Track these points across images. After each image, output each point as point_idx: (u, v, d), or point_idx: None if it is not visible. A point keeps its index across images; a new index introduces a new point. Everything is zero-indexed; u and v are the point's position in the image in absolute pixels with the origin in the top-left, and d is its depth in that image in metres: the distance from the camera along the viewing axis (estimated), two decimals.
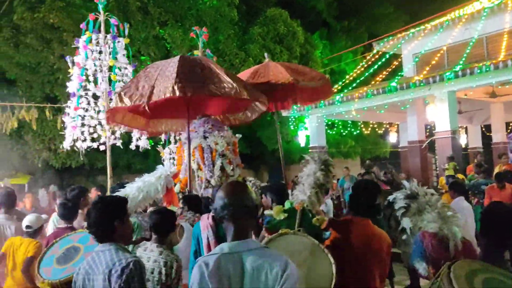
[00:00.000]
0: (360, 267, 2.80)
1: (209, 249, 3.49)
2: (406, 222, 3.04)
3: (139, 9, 14.60)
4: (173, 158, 7.68)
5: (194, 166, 5.35)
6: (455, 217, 2.98)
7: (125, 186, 4.42)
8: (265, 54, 7.08)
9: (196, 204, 4.40)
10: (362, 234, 2.86)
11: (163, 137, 7.86)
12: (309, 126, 15.80)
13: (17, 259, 4.43)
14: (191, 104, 5.62)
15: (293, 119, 17.13)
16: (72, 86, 7.36)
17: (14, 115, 11.49)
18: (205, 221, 3.81)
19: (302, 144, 17.10)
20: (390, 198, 3.10)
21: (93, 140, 7.33)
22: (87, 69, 7.26)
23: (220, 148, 5.24)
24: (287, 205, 3.40)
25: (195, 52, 8.45)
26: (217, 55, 14.84)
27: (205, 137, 5.35)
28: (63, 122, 7.81)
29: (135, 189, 3.62)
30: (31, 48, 14.43)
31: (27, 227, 4.59)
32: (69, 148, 7.36)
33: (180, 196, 5.12)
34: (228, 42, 15.14)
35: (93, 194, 7.37)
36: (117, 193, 3.59)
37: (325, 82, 6.62)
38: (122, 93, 5.21)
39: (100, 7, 7.58)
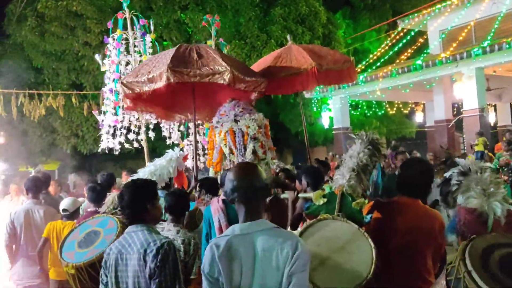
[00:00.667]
0: (409, 249, 2.73)
1: (221, 232, 3.54)
2: (459, 199, 2.99)
3: None
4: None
5: (226, 150, 5.29)
6: (499, 193, 2.91)
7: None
8: (288, 36, 6.92)
9: (213, 188, 4.46)
10: (412, 215, 2.78)
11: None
12: (332, 108, 15.66)
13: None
14: (197, 92, 5.71)
15: (316, 101, 17.00)
16: (107, 82, 7.47)
17: (41, 102, 11.79)
18: (216, 205, 3.88)
19: (326, 126, 16.98)
20: (447, 174, 3.02)
21: (128, 130, 7.47)
22: (121, 64, 7.38)
23: (251, 132, 5.15)
24: (327, 189, 3.38)
25: (208, 42, 8.45)
26: (238, 38, 14.80)
27: (236, 121, 5.26)
28: (92, 115, 8.00)
29: (148, 173, 3.70)
30: (56, 36, 14.67)
31: (64, 210, 4.78)
32: (106, 151, 7.52)
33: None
34: (249, 24, 15.03)
35: (124, 178, 7.55)
36: (129, 179, 3.67)
37: (350, 65, 6.53)
38: (125, 81, 5.41)
39: (125, 5, 7.63)
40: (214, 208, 3.80)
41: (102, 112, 7.61)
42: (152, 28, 7.70)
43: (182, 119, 7.15)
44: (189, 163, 7.08)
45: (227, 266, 1.93)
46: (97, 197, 4.61)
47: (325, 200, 3.20)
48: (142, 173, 4.77)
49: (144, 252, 2.42)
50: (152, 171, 4.73)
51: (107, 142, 7.50)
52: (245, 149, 5.26)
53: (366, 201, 3.05)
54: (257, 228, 1.98)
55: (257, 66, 6.55)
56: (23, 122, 14.78)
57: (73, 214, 4.75)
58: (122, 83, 5.38)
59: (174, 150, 5.18)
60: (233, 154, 5.35)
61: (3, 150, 13.75)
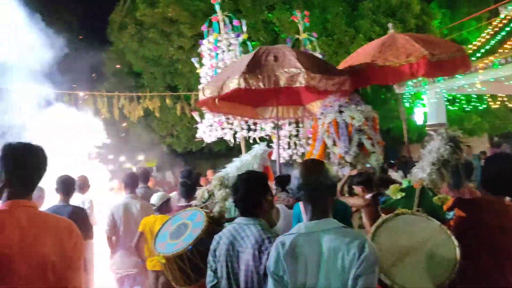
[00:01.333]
0: (495, 249, 2.55)
1: None
2: None
3: None
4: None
5: (328, 142, 5.22)
6: None
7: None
8: (389, 25, 6.49)
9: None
10: (498, 213, 2.60)
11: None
12: (426, 103, 14.81)
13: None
14: (281, 90, 5.70)
15: (409, 96, 16.21)
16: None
17: (140, 104, 12.71)
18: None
19: (419, 122, 16.13)
20: None
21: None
22: (219, 67, 7.66)
23: (357, 123, 4.98)
24: (404, 183, 3.23)
25: (302, 34, 8.42)
26: (325, 35, 14.59)
27: (340, 111, 5.12)
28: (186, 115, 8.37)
29: (234, 168, 3.78)
30: (153, 42, 15.63)
31: (152, 205, 5.12)
32: (208, 141, 7.87)
33: None
34: (337, 20, 14.76)
35: (209, 175, 7.88)
36: (217, 174, 3.78)
37: (463, 53, 5.94)
38: (204, 87, 5.56)
39: (217, 7, 7.92)
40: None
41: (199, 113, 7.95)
42: (244, 28, 7.88)
43: (269, 117, 7.25)
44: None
45: (292, 264, 1.91)
46: (187, 192, 4.85)
47: (403, 194, 3.04)
48: (230, 169, 4.92)
49: (259, 248, 2.43)
50: (238, 167, 4.87)
51: (204, 135, 7.82)
52: (350, 141, 5.11)
53: (449, 197, 2.85)
54: (323, 227, 1.94)
55: (357, 56, 6.26)
56: (124, 123, 16.00)
57: (161, 208, 5.05)
58: (202, 89, 5.60)
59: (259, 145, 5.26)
60: (336, 146, 5.23)
61: (108, 149, 15.00)
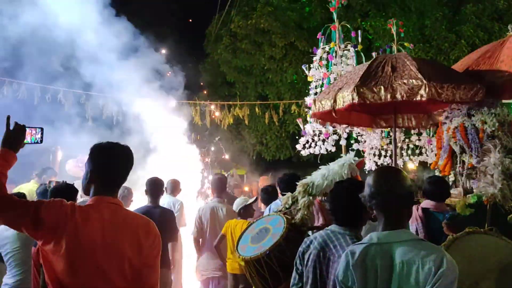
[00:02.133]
0: None
1: None
2: None
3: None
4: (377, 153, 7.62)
5: (456, 149, 4.78)
6: None
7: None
8: (510, 26, 5.74)
9: None
10: None
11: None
12: None
13: (236, 238, 5.05)
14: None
15: None
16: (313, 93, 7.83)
17: (230, 112, 13.15)
18: (414, 213, 3.61)
19: None
20: None
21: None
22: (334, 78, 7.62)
23: (489, 128, 4.43)
24: (473, 199, 3.00)
25: (395, 45, 8.11)
26: (423, 41, 13.90)
27: (469, 115, 4.65)
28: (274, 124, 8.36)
29: (320, 176, 3.68)
30: (246, 52, 16.05)
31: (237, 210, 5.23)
32: (305, 154, 7.88)
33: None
34: (436, 25, 13.97)
35: (262, 181, 7.89)
36: (302, 181, 3.72)
37: None
38: (317, 99, 5.37)
39: (335, 16, 7.94)
40: (412, 216, 3.60)
41: (307, 120, 7.97)
42: (359, 39, 7.78)
43: (386, 127, 6.86)
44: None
45: (361, 275, 1.81)
46: (268, 198, 4.87)
47: (472, 210, 2.82)
48: (315, 177, 4.82)
49: None
50: (324, 175, 4.76)
51: (307, 148, 7.81)
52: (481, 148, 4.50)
53: None
54: (396, 239, 1.82)
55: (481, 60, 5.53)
56: (217, 130, 16.59)
57: (240, 213, 5.13)
58: (314, 100, 5.42)
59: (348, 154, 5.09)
60: (465, 154, 4.78)
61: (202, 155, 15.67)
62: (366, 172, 6.53)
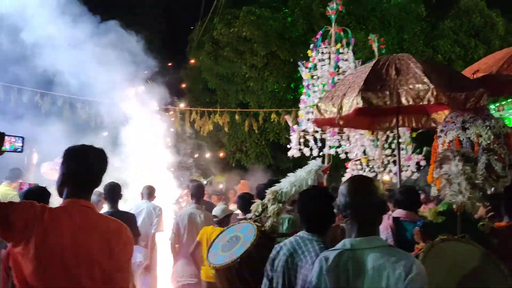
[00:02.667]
0: None
1: None
2: None
3: (322, 15, 14.94)
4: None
5: None
6: None
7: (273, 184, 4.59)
8: None
9: None
10: None
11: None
12: None
13: None
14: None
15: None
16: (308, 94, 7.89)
17: (210, 119, 13.16)
18: (385, 222, 3.66)
19: None
20: None
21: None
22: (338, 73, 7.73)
23: (484, 141, 4.41)
24: (443, 207, 3.08)
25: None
26: None
27: (464, 128, 4.59)
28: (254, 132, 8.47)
29: (288, 183, 3.73)
30: (228, 60, 16.12)
31: (214, 216, 5.19)
32: (295, 155, 7.93)
33: None
34: (414, 39, 14.31)
35: (242, 186, 7.97)
36: (271, 189, 3.75)
37: None
38: (319, 104, 5.24)
39: (333, 19, 8.10)
40: (383, 225, 3.63)
41: (297, 122, 8.02)
42: (351, 44, 7.93)
43: (387, 128, 6.76)
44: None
45: (334, 280, 1.86)
46: (245, 205, 4.89)
47: (444, 218, 2.90)
48: (284, 184, 4.86)
49: None
50: (292, 182, 4.79)
51: (294, 151, 7.84)
52: (475, 162, 4.46)
53: (492, 224, 2.73)
54: (369, 245, 1.88)
55: (486, 62, 5.64)
56: (197, 137, 16.54)
57: (223, 221, 5.10)
58: (316, 106, 5.31)
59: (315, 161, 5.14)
60: None
61: (179, 161, 15.57)
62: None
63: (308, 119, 7.68)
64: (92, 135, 10.62)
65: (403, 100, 4.42)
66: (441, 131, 4.79)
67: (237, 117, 13.70)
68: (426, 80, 4.35)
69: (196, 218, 5.69)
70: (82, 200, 2.15)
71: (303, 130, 7.82)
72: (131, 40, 9.74)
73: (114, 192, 4.98)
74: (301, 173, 3.80)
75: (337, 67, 7.68)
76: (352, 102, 4.59)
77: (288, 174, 3.85)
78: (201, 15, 17.21)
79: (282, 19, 15.66)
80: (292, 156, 7.97)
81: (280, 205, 3.55)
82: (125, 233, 2.22)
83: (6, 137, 2.24)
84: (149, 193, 6.31)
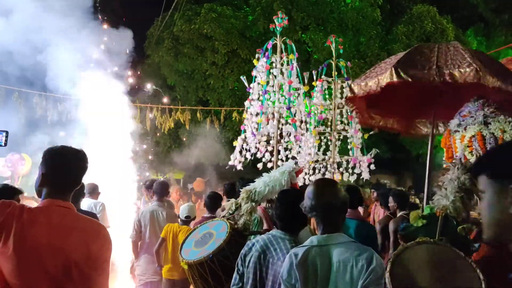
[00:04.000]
0: None
1: None
2: None
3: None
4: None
5: (472, 159, 4.45)
6: None
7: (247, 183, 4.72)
8: None
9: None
10: None
11: None
12: None
13: (179, 243, 5.09)
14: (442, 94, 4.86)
15: None
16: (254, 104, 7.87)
17: (171, 116, 13.08)
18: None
19: None
20: None
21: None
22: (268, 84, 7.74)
23: (509, 137, 4.28)
24: (426, 210, 3.16)
25: (335, 61, 8.52)
26: (358, 57, 14.67)
27: (485, 123, 4.42)
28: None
29: (262, 183, 3.86)
30: (188, 56, 16.05)
31: (187, 217, 5.23)
32: (238, 167, 7.77)
33: None
34: (370, 43, 14.83)
35: (198, 184, 8.06)
36: (245, 188, 3.89)
37: None
38: (353, 84, 5.01)
39: (278, 30, 8.15)
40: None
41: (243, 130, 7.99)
42: (294, 48, 8.02)
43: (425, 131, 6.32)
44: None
45: (303, 274, 2.03)
46: (212, 204, 4.99)
47: (424, 221, 2.95)
48: (257, 184, 4.98)
49: None
50: (266, 182, 4.93)
51: (234, 160, 7.80)
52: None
53: (474, 227, 2.77)
54: (334, 241, 2.07)
55: None
56: (156, 134, 16.37)
57: (190, 220, 5.18)
58: (350, 86, 5.13)
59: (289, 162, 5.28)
60: None
61: (138, 158, 15.37)
62: None
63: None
64: (49, 129, 10.35)
65: (447, 77, 4.19)
66: (459, 125, 4.55)
67: (198, 114, 13.70)
68: (469, 59, 4.12)
69: (158, 216, 5.73)
70: (60, 201, 2.19)
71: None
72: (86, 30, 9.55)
73: (75, 191, 4.90)
74: (275, 173, 3.94)
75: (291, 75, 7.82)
76: (383, 79, 4.40)
77: (263, 174, 3.98)
78: (162, 10, 17.02)
79: (243, 18, 15.79)
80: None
81: (253, 204, 3.68)
82: (103, 233, 2.25)
83: None
84: (91, 190, 6.18)
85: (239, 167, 7.17)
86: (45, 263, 2.03)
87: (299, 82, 7.57)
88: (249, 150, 7.24)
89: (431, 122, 5.26)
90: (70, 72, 9.08)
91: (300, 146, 7.46)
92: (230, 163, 7.68)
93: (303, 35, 15.33)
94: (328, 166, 7.92)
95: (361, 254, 1.99)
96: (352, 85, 4.91)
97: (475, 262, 2.37)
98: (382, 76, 4.37)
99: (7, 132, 2.43)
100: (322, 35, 14.56)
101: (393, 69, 4.20)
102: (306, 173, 7.71)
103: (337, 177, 7.96)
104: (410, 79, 4.17)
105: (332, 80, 7.88)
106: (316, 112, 7.66)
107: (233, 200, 3.85)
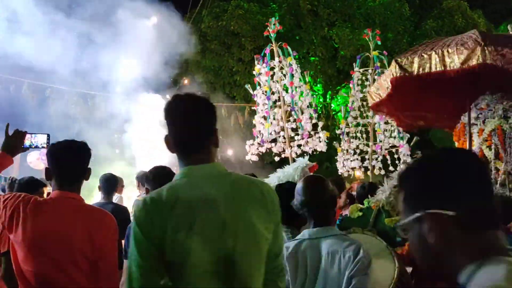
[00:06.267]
0: None
1: None
2: None
3: (309, 11, 15.19)
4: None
5: (489, 154, 4.36)
6: None
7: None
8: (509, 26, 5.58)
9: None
10: None
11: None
12: None
13: None
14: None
15: None
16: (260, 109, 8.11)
17: None
18: None
19: None
20: None
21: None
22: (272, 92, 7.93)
23: None
24: (365, 203, 3.35)
25: (373, 52, 8.52)
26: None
27: (506, 117, 4.26)
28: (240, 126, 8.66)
29: (276, 179, 3.95)
30: (215, 53, 16.24)
31: None
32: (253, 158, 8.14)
33: None
34: (398, 39, 14.65)
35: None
36: None
37: None
38: (399, 59, 4.57)
39: (273, 37, 8.38)
40: None
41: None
42: (291, 53, 8.15)
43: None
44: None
45: (293, 266, 2.13)
46: None
47: (360, 214, 3.18)
48: (271, 179, 5.06)
49: None
50: (279, 177, 4.88)
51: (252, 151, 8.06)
52: None
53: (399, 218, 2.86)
54: (324, 234, 2.16)
55: None
56: None
57: None
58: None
59: (303, 158, 5.35)
60: (499, 159, 4.30)
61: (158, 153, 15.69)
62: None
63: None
64: (78, 126, 10.75)
65: (449, 57, 3.98)
66: (477, 118, 4.39)
67: (223, 111, 13.87)
68: (479, 39, 3.88)
69: None
70: (67, 192, 2.29)
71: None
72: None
73: (109, 184, 5.06)
74: (288, 169, 4.03)
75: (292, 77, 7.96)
76: (390, 74, 4.28)
77: (277, 170, 4.08)
78: (189, 7, 17.26)
79: (269, 14, 15.84)
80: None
81: None
82: (107, 222, 2.32)
83: (30, 135, 2.44)
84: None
85: (254, 158, 7.96)
86: (51, 251, 2.17)
87: (300, 81, 7.75)
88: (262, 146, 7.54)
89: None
90: (109, 68, 9.42)
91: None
92: (247, 157, 8.03)
93: (329, 31, 15.28)
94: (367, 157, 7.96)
95: (348, 246, 2.07)
96: (399, 61, 4.46)
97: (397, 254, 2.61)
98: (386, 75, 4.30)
99: (48, 135, 2.59)
100: (349, 31, 14.48)
101: (394, 61, 4.14)
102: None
103: (358, 173, 8.00)
104: (414, 69, 3.96)
105: (367, 72, 8.00)
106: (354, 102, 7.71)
107: None
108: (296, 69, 8.03)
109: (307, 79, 8.28)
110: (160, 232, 1.48)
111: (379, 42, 8.63)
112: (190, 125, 1.65)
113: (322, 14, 14.97)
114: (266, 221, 1.58)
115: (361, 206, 3.32)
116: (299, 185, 2.29)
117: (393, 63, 4.16)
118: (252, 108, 14.25)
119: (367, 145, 7.98)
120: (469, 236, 0.97)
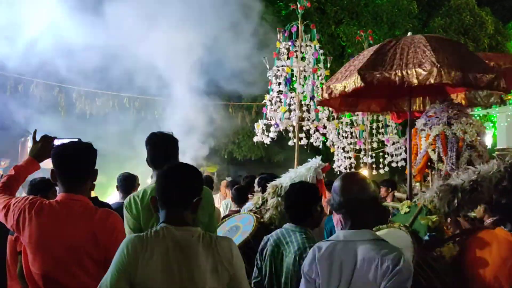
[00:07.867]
0: None
1: None
2: None
3: (316, 9, 15.11)
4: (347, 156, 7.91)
5: (434, 156, 4.65)
6: None
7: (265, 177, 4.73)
8: None
9: None
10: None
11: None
12: (497, 126, 14.18)
13: None
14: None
15: (478, 117, 15.55)
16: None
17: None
18: (337, 217, 3.88)
19: (488, 146, 15.44)
20: None
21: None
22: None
23: (469, 138, 4.42)
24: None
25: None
26: None
27: (449, 124, 4.56)
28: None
29: (288, 178, 3.91)
30: None
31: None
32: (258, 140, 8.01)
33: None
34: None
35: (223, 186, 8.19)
36: (271, 183, 3.95)
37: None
38: (326, 85, 4.82)
39: (300, 14, 8.30)
40: (335, 220, 3.86)
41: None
42: (315, 34, 8.07)
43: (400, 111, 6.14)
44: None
45: (326, 268, 1.97)
46: (240, 197, 5.08)
47: (408, 210, 3.12)
48: (284, 179, 5.03)
49: (300, 255, 2.55)
50: (292, 177, 4.96)
51: (261, 137, 7.95)
52: (457, 157, 4.51)
53: (434, 218, 2.85)
54: (361, 237, 1.98)
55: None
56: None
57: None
58: (322, 87, 5.04)
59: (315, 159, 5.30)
60: (442, 162, 4.62)
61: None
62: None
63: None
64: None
65: (407, 79, 4.08)
66: (425, 124, 4.73)
67: (230, 109, 13.86)
68: (432, 59, 4.04)
69: None
70: (72, 194, 2.29)
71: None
72: None
73: (127, 183, 5.07)
74: (301, 169, 4.00)
75: (317, 62, 7.85)
76: (353, 83, 4.32)
77: (289, 170, 4.05)
78: None
79: (276, 12, 15.80)
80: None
81: (279, 198, 3.73)
82: (111, 222, 2.29)
83: (61, 140, 2.47)
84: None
85: (267, 141, 7.61)
86: (56, 253, 2.18)
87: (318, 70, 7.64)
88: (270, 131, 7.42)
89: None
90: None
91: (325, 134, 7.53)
92: (256, 138, 7.87)
93: (336, 29, 15.21)
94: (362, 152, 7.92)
95: (388, 254, 1.88)
96: (322, 89, 4.84)
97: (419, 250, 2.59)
98: (348, 80, 4.31)
99: (80, 140, 2.58)
100: (356, 28, 14.40)
101: (357, 73, 4.14)
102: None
103: (365, 172, 7.93)
104: (375, 83, 4.08)
105: None
106: None
107: (260, 194, 3.94)
108: (320, 54, 7.89)
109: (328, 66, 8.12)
110: None
111: (370, 42, 8.55)
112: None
113: (329, 11, 14.89)
114: None
115: (410, 202, 3.28)
116: (336, 184, 2.09)
117: (356, 73, 4.24)
118: (258, 105, 14.27)
119: (364, 143, 7.95)
120: None
